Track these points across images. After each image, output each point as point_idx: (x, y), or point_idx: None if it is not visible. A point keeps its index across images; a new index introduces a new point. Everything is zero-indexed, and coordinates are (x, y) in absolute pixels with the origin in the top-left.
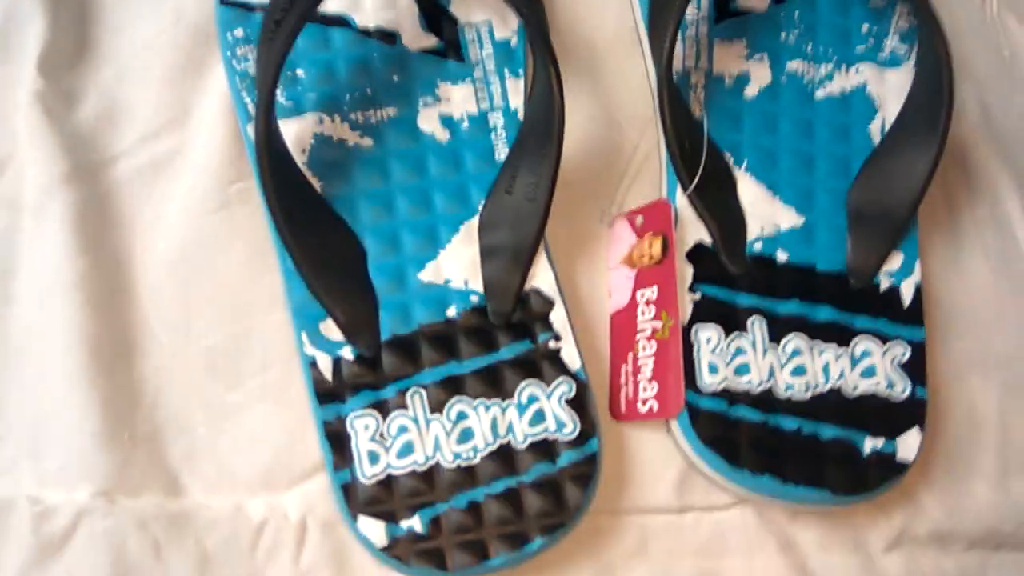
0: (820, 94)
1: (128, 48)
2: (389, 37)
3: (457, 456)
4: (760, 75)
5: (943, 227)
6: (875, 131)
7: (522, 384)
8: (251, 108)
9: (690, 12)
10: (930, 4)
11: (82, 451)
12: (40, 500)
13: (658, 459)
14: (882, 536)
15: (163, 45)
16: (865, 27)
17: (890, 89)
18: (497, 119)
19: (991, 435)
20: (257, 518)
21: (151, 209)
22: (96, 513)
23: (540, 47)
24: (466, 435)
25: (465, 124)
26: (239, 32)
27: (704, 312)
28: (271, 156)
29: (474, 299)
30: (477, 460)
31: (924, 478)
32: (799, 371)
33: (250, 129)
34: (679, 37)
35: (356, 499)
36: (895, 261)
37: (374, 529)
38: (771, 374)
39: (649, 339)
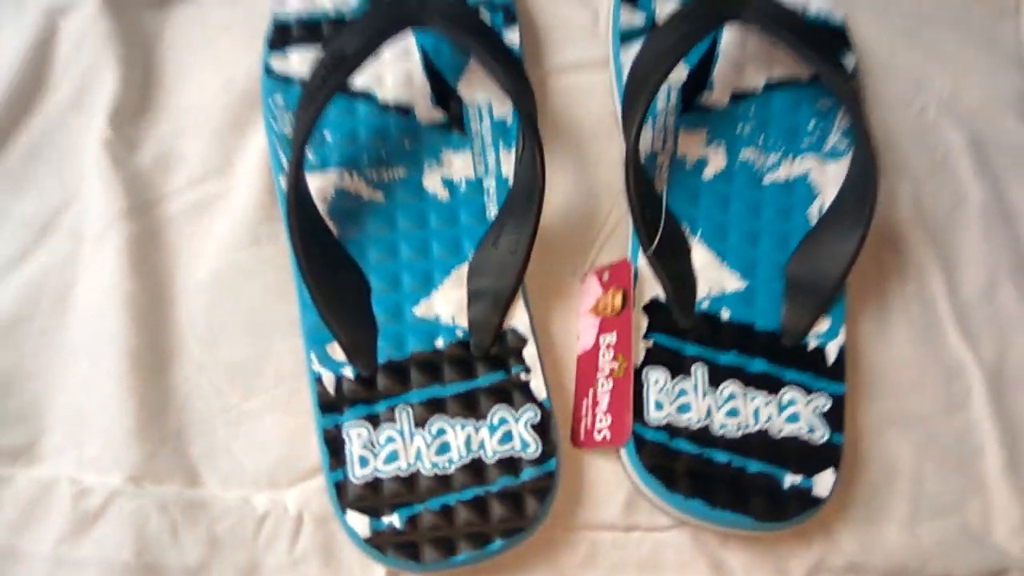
0: (768, 179)
1: (185, 107)
2: (404, 110)
3: (435, 465)
4: (717, 160)
5: (875, 300)
6: (813, 214)
7: (494, 408)
8: (284, 163)
9: (661, 104)
10: (863, 114)
11: (118, 442)
12: (79, 481)
13: (609, 482)
14: (802, 564)
15: (214, 106)
16: (812, 124)
17: (829, 178)
18: (490, 184)
19: (905, 484)
20: (261, 510)
21: (193, 242)
22: (126, 495)
23: (528, 128)
24: (444, 448)
25: (463, 186)
26: (279, 99)
27: (655, 357)
28: (298, 204)
29: (459, 333)
30: (452, 470)
31: (842, 516)
32: (733, 413)
33: (282, 180)
34: (650, 124)
35: (346, 496)
36: (823, 325)
37: (360, 522)
38: (708, 414)
39: (607, 378)
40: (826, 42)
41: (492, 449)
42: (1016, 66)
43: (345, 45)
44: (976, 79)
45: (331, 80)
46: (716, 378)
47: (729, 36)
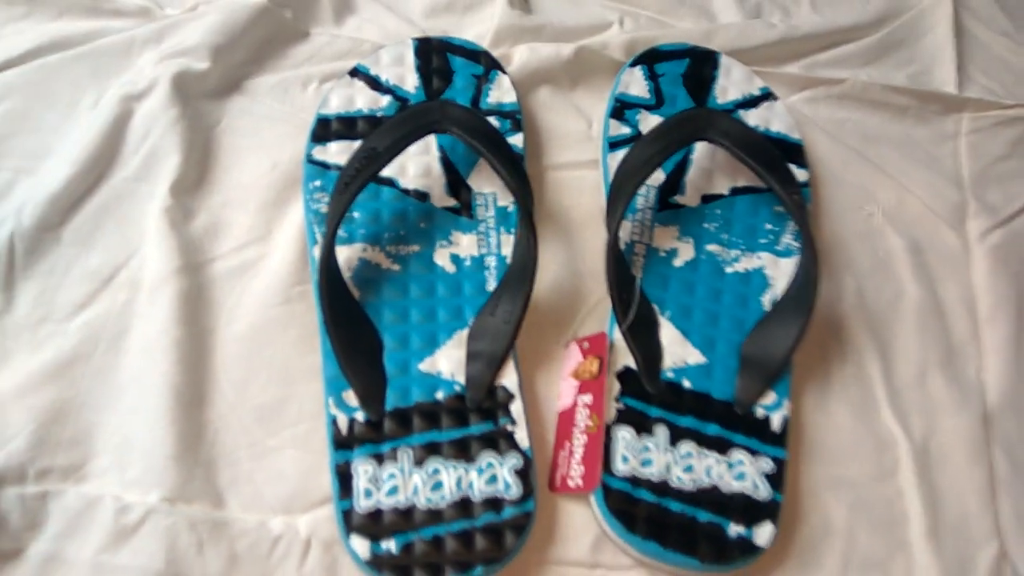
0: (729, 270)
1: (236, 183)
2: (422, 196)
3: (429, 500)
4: (686, 252)
5: (818, 379)
6: (767, 302)
7: (483, 454)
8: (318, 236)
9: (640, 202)
10: (807, 222)
11: (157, 467)
12: (121, 499)
13: (579, 525)
14: None
15: (260, 185)
16: (768, 226)
17: (781, 272)
18: (491, 261)
19: (838, 542)
20: (276, 532)
21: (234, 299)
22: (161, 513)
23: (525, 217)
24: (437, 486)
25: (468, 262)
26: (318, 183)
27: (624, 417)
28: (328, 271)
29: (457, 388)
30: (443, 505)
31: (781, 566)
32: (689, 469)
33: (315, 251)
34: (631, 219)
35: (351, 522)
36: (770, 398)
37: (362, 546)
38: (668, 468)
39: (582, 433)
40: (782, 157)
41: (479, 489)
42: (953, 183)
43: (377, 144)
44: (917, 192)
45: (364, 172)
46: (676, 438)
47: (700, 148)
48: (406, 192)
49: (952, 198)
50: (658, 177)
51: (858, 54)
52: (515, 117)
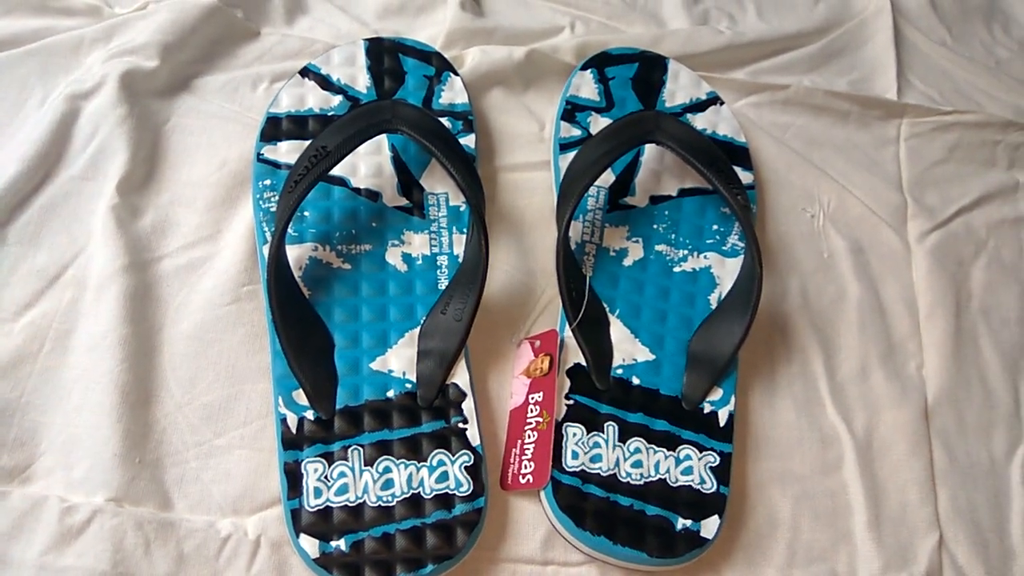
0: (677, 270)
1: (184, 181)
2: (373, 195)
3: (379, 499)
4: (635, 251)
5: (764, 376)
6: (713, 300)
7: (434, 451)
8: (268, 235)
9: (591, 202)
10: (750, 223)
11: (103, 467)
12: (66, 499)
13: (530, 522)
14: None
15: (209, 183)
16: (715, 226)
17: (728, 272)
18: (443, 260)
19: (783, 533)
20: (224, 533)
21: (181, 297)
22: (107, 513)
23: (476, 216)
24: (388, 484)
25: (419, 261)
26: (268, 182)
27: (574, 414)
28: (277, 270)
29: (408, 386)
30: (394, 503)
31: (728, 558)
32: (637, 464)
33: (265, 249)
34: (582, 219)
35: (300, 521)
36: (716, 394)
37: (310, 545)
38: (617, 464)
39: (533, 430)
40: (727, 159)
41: (430, 486)
42: (894, 186)
43: (327, 143)
44: (859, 195)
45: (314, 171)
46: (625, 434)
47: (650, 151)
48: (357, 191)
49: (892, 201)
50: (608, 178)
51: (802, 61)
52: (467, 118)
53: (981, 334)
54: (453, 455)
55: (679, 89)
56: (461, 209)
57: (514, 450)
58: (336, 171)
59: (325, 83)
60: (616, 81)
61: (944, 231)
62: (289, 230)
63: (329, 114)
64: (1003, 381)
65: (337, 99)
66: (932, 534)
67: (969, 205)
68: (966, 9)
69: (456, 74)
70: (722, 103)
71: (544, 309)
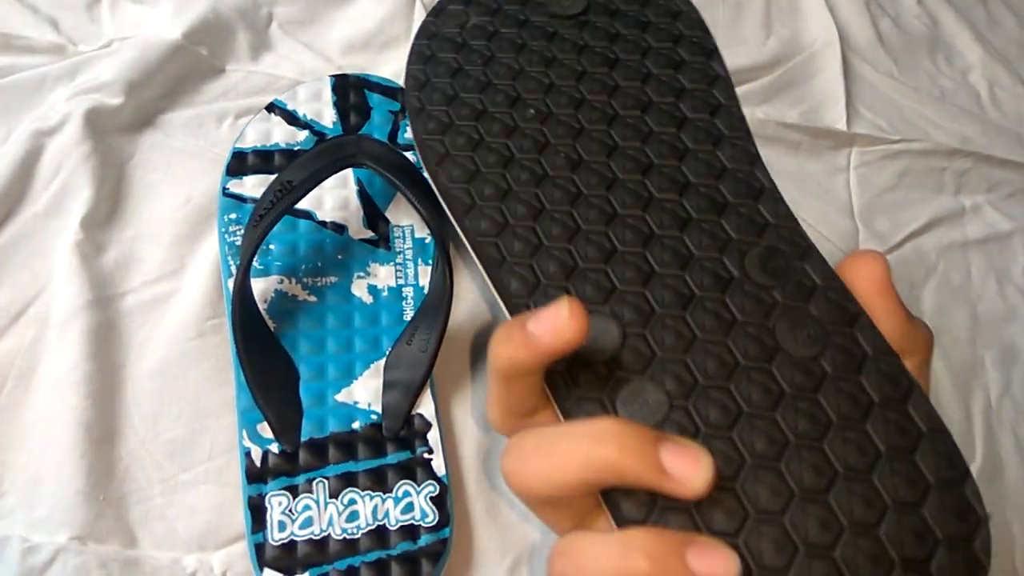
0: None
1: (148, 217)
2: (339, 228)
3: (344, 531)
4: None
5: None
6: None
7: (400, 483)
8: (233, 269)
9: None
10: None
11: (66, 505)
12: (29, 539)
13: (497, 550)
14: None
15: (173, 219)
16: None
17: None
18: (408, 292)
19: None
20: (189, 569)
21: (145, 332)
22: (70, 552)
23: (439, 248)
24: (353, 516)
25: (385, 293)
26: (233, 215)
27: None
28: (242, 303)
29: (374, 417)
30: (359, 535)
31: None
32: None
33: (230, 283)
34: None
35: (264, 556)
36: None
37: None
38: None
39: None
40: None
41: (395, 518)
42: (845, 213)
43: (293, 177)
44: (811, 222)
45: (279, 205)
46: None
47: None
48: (323, 224)
49: (844, 227)
50: None
51: (754, 93)
52: None
53: (933, 355)
54: (419, 485)
55: None
56: (427, 241)
57: None
58: (302, 204)
59: (291, 118)
60: None
61: (895, 256)
62: (255, 263)
63: (295, 148)
64: (955, 401)
65: (303, 134)
66: None
67: (919, 230)
68: (911, 42)
69: None
70: None
71: None
